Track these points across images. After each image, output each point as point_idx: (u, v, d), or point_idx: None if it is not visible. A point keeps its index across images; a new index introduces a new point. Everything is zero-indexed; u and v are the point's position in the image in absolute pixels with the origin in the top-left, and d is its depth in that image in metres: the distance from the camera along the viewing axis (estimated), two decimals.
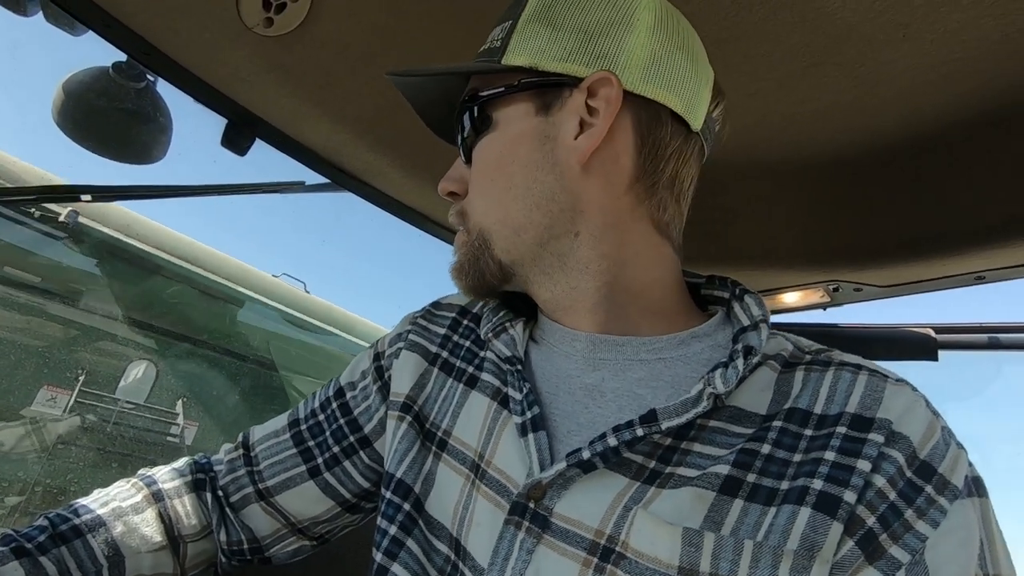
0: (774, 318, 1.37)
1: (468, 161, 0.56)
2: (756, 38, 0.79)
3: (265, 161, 1.19)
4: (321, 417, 0.67)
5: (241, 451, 0.68)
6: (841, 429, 0.43)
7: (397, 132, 1.09)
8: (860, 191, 1.03)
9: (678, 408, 0.44)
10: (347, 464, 0.65)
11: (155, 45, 0.88)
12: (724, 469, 0.43)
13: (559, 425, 0.50)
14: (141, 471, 0.69)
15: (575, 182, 0.50)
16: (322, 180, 1.18)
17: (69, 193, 1.00)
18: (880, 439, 0.41)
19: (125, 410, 4.30)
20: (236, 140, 1.04)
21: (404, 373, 0.61)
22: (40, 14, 0.96)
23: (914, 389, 0.45)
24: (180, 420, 4.49)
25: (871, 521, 0.39)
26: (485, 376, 0.57)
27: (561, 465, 0.45)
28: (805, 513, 0.39)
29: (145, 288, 4.12)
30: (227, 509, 0.66)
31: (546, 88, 0.51)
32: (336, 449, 0.65)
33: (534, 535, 0.45)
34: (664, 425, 0.44)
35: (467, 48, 0.95)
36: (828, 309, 1.29)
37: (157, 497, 0.64)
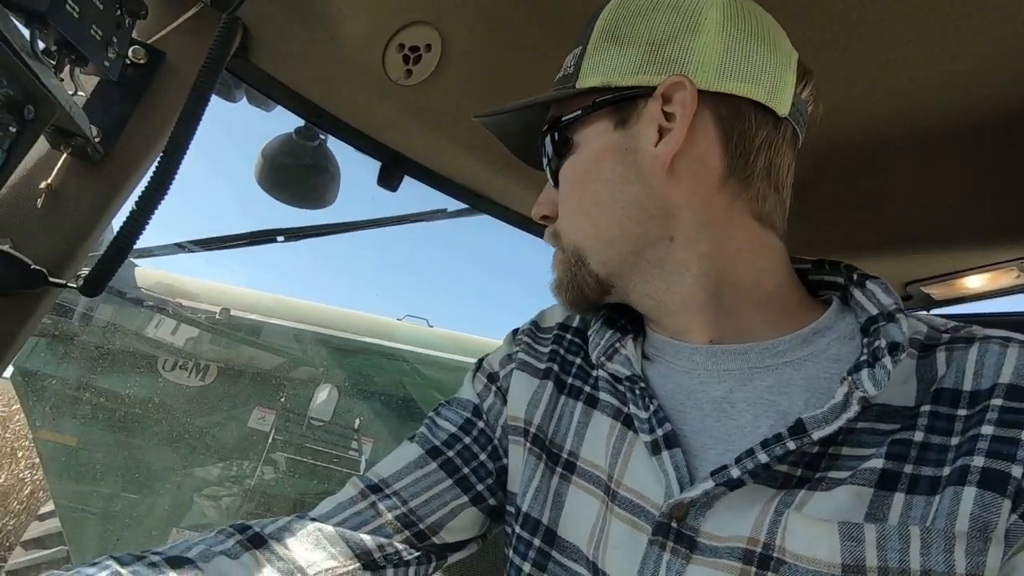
0: (956, 308, 1.20)
1: (556, 184, 0.58)
2: None
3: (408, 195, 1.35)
4: (468, 440, 0.61)
5: (369, 499, 0.58)
6: (997, 401, 0.40)
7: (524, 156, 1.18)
8: None
9: (827, 416, 0.42)
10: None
11: (323, 107, 1.07)
12: (879, 463, 0.41)
13: (691, 441, 0.48)
14: None
15: (662, 188, 0.50)
16: (461, 206, 1.30)
17: (269, 236, 1.24)
18: None
19: (315, 426, 5.00)
20: (389, 179, 1.20)
21: (519, 394, 0.60)
22: (244, 99, 1.22)
23: None
24: (359, 436, 5.10)
25: None
26: (603, 396, 0.56)
27: (708, 484, 0.44)
28: (970, 492, 0.37)
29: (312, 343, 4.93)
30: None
31: (621, 103, 0.52)
32: (494, 474, 0.60)
33: (681, 556, 0.44)
34: (815, 435, 0.42)
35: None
36: None
37: None
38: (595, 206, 0.53)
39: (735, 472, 0.43)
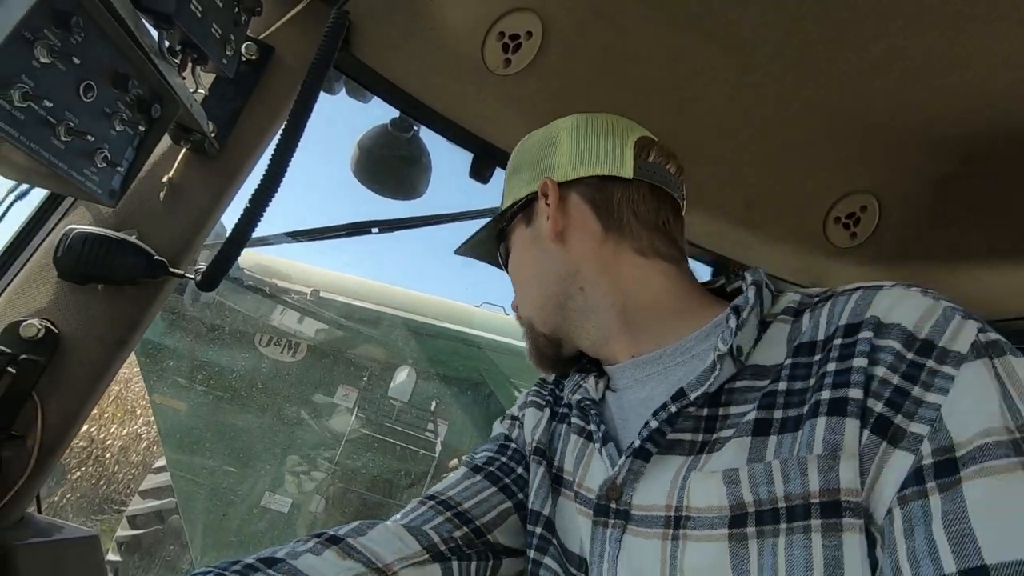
0: None
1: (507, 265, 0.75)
2: None
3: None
4: (504, 459, 0.71)
5: (427, 504, 0.66)
6: (837, 341, 0.46)
7: None
8: None
9: (700, 378, 0.51)
10: None
11: (419, 99, 1.06)
12: (753, 415, 0.48)
13: (627, 439, 0.58)
14: None
15: (563, 256, 0.65)
16: None
17: (364, 227, 1.27)
18: (869, 334, 0.44)
19: (394, 406, 5.20)
20: (481, 171, 1.18)
21: (530, 424, 0.73)
22: (343, 91, 1.24)
23: (911, 287, 0.47)
24: (435, 418, 5.25)
25: (879, 407, 0.42)
26: (574, 420, 0.68)
27: (622, 460, 0.53)
28: (821, 421, 0.43)
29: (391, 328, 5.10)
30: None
31: (525, 209, 0.70)
32: (525, 485, 0.70)
33: (619, 527, 0.53)
34: (692, 395, 0.50)
35: (691, 54, 0.94)
36: None
37: None
38: (528, 284, 0.70)
39: (637, 442, 0.53)
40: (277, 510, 4.98)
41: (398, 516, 0.66)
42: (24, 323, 0.70)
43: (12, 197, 0.68)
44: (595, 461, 0.60)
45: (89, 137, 0.51)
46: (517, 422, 0.76)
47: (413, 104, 1.10)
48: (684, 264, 0.65)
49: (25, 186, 0.74)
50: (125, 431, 10.42)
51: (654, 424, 0.52)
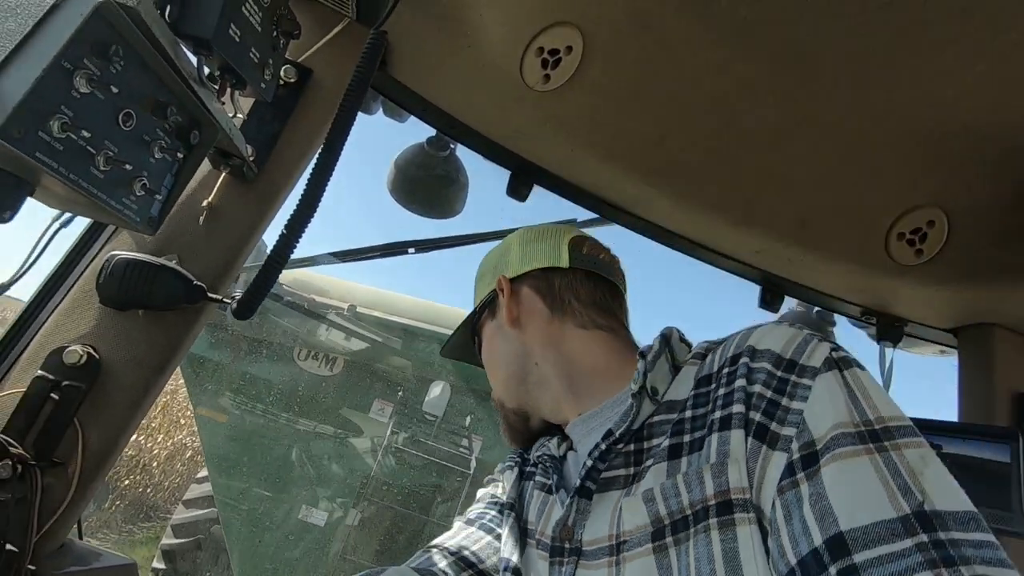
0: None
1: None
2: None
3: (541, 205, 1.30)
4: (493, 512, 0.79)
5: (433, 550, 0.75)
6: (724, 370, 0.54)
7: (665, 162, 1.08)
8: None
9: (623, 417, 0.59)
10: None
11: (456, 117, 1.05)
12: (666, 441, 0.56)
13: (574, 483, 0.63)
14: None
15: (519, 338, 0.76)
16: (591, 216, 1.23)
17: (401, 248, 1.26)
18: (747, 359, 0.52)
19: (428, 421, 5.20)
20: (518, 189, 1.15)
21: (508, 485, 0.80)
22: (380, 111, 1.23)
23: (781, 324, 0.55)
24: (469, 434, 5.22)
25: (758, 417, 0.49)
26: (538, 477, 0.75)
27: (567, 500, 0.61)
28: (715, 437, 0.51)
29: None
30: None
31: (489, 305, 0.82)
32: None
33: (571, 563, 0.58)
34: (617, 432, 0.58)
35: (739, 65, 0.89)
36: None
37: None
38: (495, 367, 0.80)
39: (577, 481, 0.60)
40: (314, 523, 5.02)
41: (407, 563, 0.74)
42: (67, 349, 0.70)
43: (57, 224, 0.69)
44: (555, 510, 0.66)
45: (127, 166, 0.50)
46: (498, 483, 0.85)
47: (450, 123, 1.08)
48: (622, 332, 0.76)
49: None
50: (171, 441, 10.75)
51: (589, 463, 0.59)
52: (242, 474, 5.03)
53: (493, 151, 1.12)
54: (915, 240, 1.05)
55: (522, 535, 0.71)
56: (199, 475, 6.97)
